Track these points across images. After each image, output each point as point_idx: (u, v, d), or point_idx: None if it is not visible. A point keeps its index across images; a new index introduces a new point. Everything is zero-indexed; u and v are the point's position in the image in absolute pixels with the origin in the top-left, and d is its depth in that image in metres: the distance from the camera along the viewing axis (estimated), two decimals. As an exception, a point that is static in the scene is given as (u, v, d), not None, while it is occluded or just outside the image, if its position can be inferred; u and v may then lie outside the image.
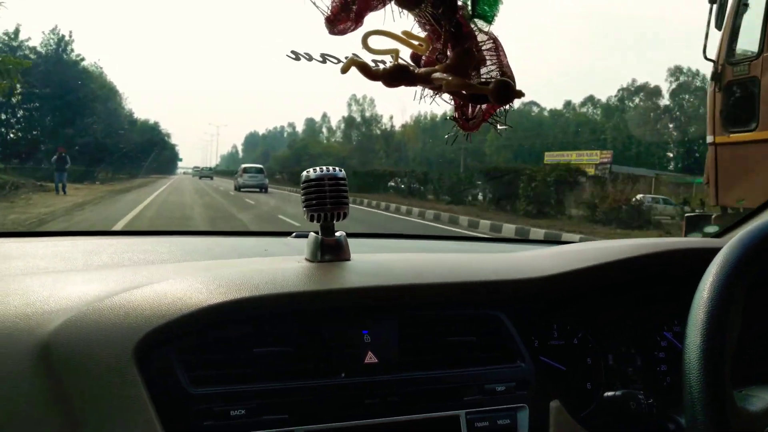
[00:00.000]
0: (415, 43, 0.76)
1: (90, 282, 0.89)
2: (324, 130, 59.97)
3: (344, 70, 0.73)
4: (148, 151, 34.23)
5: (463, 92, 0.75)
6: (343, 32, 0.74)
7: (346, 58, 0.75)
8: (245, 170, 24.30)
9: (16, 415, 0.69)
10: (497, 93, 0.70)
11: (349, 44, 0.75)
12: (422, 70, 0.74)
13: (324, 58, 0.75)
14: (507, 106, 0.75)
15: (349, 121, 56.15)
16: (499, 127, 0.78)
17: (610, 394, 0.94)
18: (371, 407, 0.83)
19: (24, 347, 0.73)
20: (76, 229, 5.56)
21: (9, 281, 0.90)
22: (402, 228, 11.15)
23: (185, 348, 0.78)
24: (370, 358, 0.85)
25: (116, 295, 0.81)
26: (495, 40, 0.74)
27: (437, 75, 0.72)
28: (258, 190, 21.88)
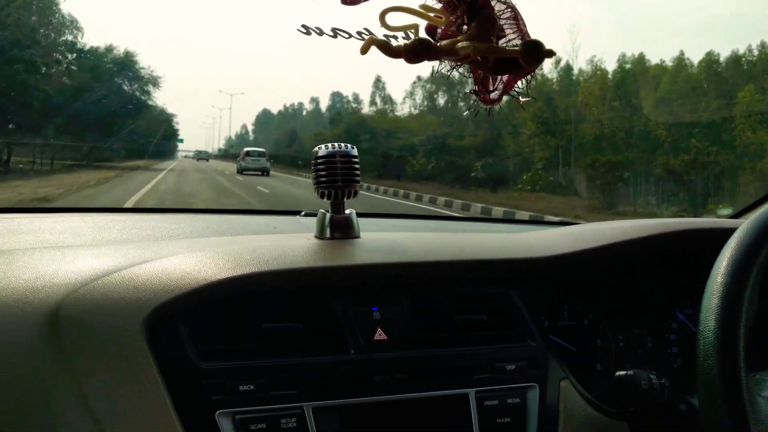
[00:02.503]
0: (433, 15, 0.74)
1: (99, 257, 0.88)
2: (377, 100, 40.67)
3: (364, 51, 0.71)
4: (121, 115, 18.26)
5: (486, 62, 0.73)
6: (355, 2, 0.73)
7: (357, 33, 0.73)
8: (247, 153, 23.87)
9: (24, 386, 0.69)
10: (527, 52, 0.68)
11: (361, 16, 0.73)
12: (444, 42, 0.72)
13: (335, 32, 0.73)
14: (529, 77, 0.73)
15: (433, 82, 33.86)
16: (521, 99, 0.76)
17: (621, 373, 0.93)
18: (380, 384, 0.82)
19: (32, 320, 0.73)
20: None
21: (18, 255, 0.89)
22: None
23: (194, 323, 0.78)
24: (380, 335, 0.85)
25: (125, 269, 0.81)
26: (513, 8, 0.72)
27: (462, 44, 0.70)
28: (260, 173, 21.85)
